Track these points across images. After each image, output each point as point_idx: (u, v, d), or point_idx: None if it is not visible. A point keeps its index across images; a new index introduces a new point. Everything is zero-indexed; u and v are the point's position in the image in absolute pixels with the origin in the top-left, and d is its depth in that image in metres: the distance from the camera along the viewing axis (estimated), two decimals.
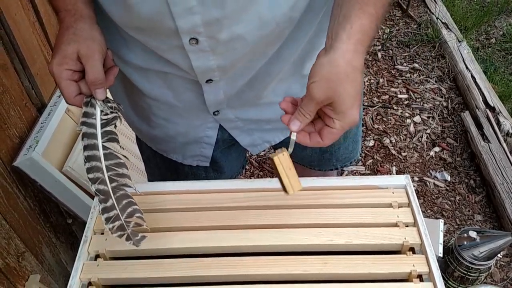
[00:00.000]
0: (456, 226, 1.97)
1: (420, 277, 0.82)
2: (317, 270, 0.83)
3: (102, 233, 0.90)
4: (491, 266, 1.62)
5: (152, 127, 1.04)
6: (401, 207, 0.92)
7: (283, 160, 0.76)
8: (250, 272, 0.82)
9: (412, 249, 0.87)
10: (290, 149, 0.77)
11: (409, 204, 0.93)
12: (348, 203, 0.93)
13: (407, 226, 0.89)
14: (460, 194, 2.11)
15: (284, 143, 1.01)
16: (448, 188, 2.14)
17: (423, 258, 0.84)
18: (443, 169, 2.22)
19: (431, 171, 2.21)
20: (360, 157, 2.29)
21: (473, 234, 1.57)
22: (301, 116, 0.72)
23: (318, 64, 0.69)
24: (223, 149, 1.09)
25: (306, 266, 0.83)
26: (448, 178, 2.18)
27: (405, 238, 0.86)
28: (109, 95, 0.84)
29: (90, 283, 0.83)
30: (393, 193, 0.95)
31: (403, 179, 0.97)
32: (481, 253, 1.55)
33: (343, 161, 1.19)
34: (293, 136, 0.75)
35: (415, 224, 0.89)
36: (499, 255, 1.56)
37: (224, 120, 1.00)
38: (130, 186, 0.80)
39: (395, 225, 0.89)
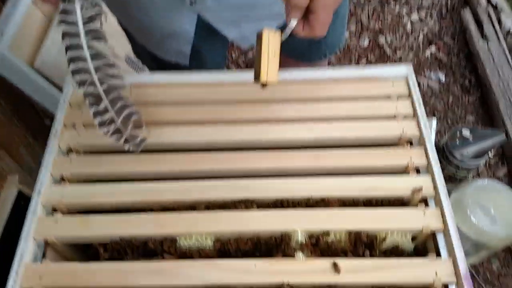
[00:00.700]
0: (447, 127, 1.94)
1: (417, 171, 0.77)
2: (308, 163, 0.77)
3: (74, 127, 0.82)
4: (480, 165, 1.61)
5: (129, 21, 0.96)
6: (401, 99, 0.85)
7: (272, 40, 0.66)
8: (238, 166, 0.77)
9: (410, 142, 0.81)
10: (284, 36, 0.67)
11: (409, 95, 0.85)
12: (344, 95, 0.86)
13: (405, 118, 0.83)
14: (453, 94, 2.05)
15: None
16: (441, 88, 2.07)
17: (422, 150, 0.78)
18: (438, 69, 2.14)
19: (425, 71, 2.13)
20: (354, 57, 2.18)
21: (466, 132, 1.53)
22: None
23: None
24: (206, 42, 0.99)
25: (297, 160, 0.77)
26: (443, 78, 2.10)
27: (403, 130, 0.80)
28: None
29: (62, 179, 0.77)
30: (392, 84, 0.87)
31: (405, 69, 0.88)
32: (472, 152, 1.52)
33: (332, 47, 1.10)
34: (293, 22, 0.64)
35: (414, 115, 0.83)
36: (489, 154, 1.54)
37: (203, 10, 0.88)
38: (122, 87, 0.71)
39: (393, 117, 0.83)
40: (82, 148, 0.80)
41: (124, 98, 0.72)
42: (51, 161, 0.78)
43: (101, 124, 0.70)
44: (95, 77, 0.69)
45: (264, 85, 0.69)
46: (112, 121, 0.70)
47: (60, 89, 1.40)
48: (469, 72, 2.12)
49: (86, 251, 0.77)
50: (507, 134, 1.75)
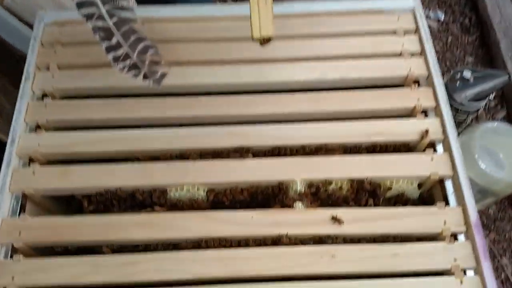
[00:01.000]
0: (445, 69, 1.87)
1: (425, 113, 0.72)
2: (308, 107, 0.71)
3: (48, 69, 0.74)
4: (480, 108, 1.56)
5: None
6: (408, 34, 0.78)
7: None
8: (232, 111, 0.70)
9: (417, 82, 0.75)
10: None
11: (417, 31, 0.78)
12: (346, 31, 0.78)
13: (413, 55, 0.76)
14: (452, 34, 1.96)
15: None
16: (440, 28, 1.98)
17: (430, 91, 0.72)
18: (437, 7, 2.03)
19: (424, 10, 2.03)
20: None
21: (467, 74, 1.47)
22: None
23: None
24: None
25: (296, 103, 0.71)
26: (442, 17, 2.00)
27: (409, 69, 0.74)
28: None
29: (38, 126, 0.70)
30: (398, 18, 0.79)
31: (411, 1, 0.80)
32: (472, 94, 1.47)
33: None
34: None
35: (422, 53, 0.76)
36: (490, 96, 1.48)
37: None
38: (133, 20, 0.63)
39: (399, 54, 0.76)
40: (58, 92, 0.73)
41: (138, 32, 0.64)
42: (25, 107, 0.71)
43: (116, 60, 0.62)
44: (103, 10, 0.61)
45: (263, 42, 0.62)
46: (127, 56, 0.63)
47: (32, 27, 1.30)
48: (469, 10, 2.03)
49: (70, 204, 0.72)
50: (508, 75, 1.69)
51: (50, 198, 0.69)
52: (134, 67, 0.63)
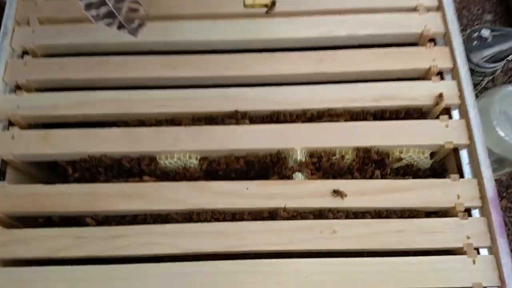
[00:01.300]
0: (461, 27, 1.77)
1: (440, 74, 0.65)
2: (311, 68, 0.65)
3: (28, 24, 0.68)
4: (497, 69, 1.47)
5: None
6: None
7: None
8: (227, 72, 0.65)
9: (433, 41, 0.67)
10: None
11: None
12: None
13: (429, 10, 0.68)
14: None
15: None
16: None
17: (447, 51, 0.66)
18: None
19: None
20: None
21: (485, 32, 1.38)
22: None
23: None
24: None
25: (298, 63, 0.65)
26: None
27: (425, 26, 0.67)
28: None
29: (18, 87, 0.65)
30: None
31: None
32: (490, 54, 1.38)
33: None
34: None
35: (439, 8, 0.69)
36: (509, 57, 1.40)
37: None
38: None
39: (414, 9, 0.68)
40: (39, 50, 0.67)
41: None
42: (3, 66, 0.65)
43: (88, 6, 0.56)
44: None
45: (268, 8, 0.55)
46: (103, 2, 0.56)
47: None
48: None
49: (55, 171, 0.68)
50: None
51: (32, 165, 0.65)
52: (109, 15, 0.56)
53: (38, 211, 0.58)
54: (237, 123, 0.61)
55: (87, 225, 0.58)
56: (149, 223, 0.58)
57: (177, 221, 0.57)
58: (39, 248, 0.56)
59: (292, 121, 0.62)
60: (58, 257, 0.55)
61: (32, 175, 0.66)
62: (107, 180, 0.62)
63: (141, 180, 0.60)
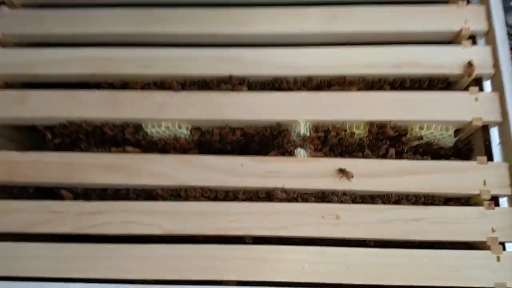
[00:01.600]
0: None
1: (473, 39, 0.56)
2: (320, 27, 0.57)
3: None
4: None
5: None
6: None
7: None
8: (223, 30, 0.57)
9: None
10: None
11: None
12: None
13: None
14: None
15: None
16: None
17: (481, 10, 0.56)
18: None
19: None
20: None
21: None
22: None
23: None
24: None
25: (306, 21, 0.57)
26: None
27: None
28: None
29: None
30: None
31: None
32: None
33: None
34: None
35: None
36: None
37: None
38: None
39: None
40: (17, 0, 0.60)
41: None
42: None
43: None
44: None
45: None
46: None
47: None
48: None
49: (35, 135, 0.62)
50: None
51: (10, 128, 0.59)
52: None
53: (12, 181, 0.53)
54: (233, 89, 0.54)
55: (63, 198, 0.53)
56: (131, 199, 0.52)
57: (163, 198, 0.52)
58: (11, 221, 0.51)
59: (296, 89, 0.55)
60: (30, 232, 0.50)
61: (12, 141, 0.60)
62: (89, 148, 0.56)
63: (124, 151, 0.54)
